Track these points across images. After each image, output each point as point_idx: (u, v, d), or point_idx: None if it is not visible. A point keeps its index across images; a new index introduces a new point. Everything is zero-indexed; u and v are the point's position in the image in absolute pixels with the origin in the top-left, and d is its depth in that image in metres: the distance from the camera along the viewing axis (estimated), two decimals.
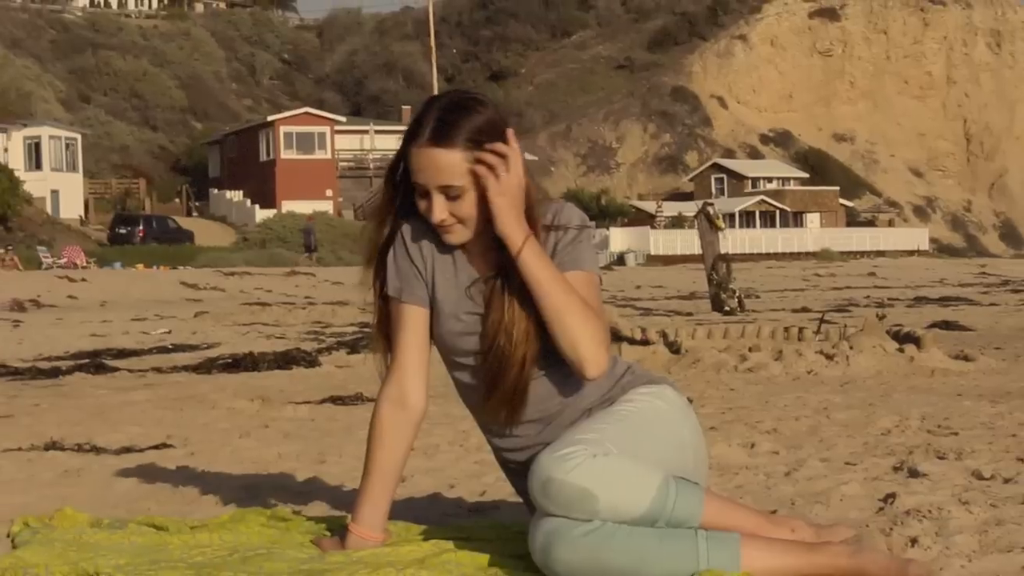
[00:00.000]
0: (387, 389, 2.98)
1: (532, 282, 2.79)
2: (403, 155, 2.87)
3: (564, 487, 2.63)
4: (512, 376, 2.86)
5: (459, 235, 2.89)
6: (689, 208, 62.54)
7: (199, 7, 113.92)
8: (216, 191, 70.21)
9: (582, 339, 2.78)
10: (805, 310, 19.47)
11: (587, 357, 2.78)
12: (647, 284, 37.17)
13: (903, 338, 9.44)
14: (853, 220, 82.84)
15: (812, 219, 78.74)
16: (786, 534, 2.81)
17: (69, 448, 5.30)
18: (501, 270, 2.87)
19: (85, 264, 46.03)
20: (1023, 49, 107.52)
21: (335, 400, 7.30)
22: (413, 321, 2.95)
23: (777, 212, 77.80)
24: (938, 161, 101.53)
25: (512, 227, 2.80)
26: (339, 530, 3.09)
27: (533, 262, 2.79)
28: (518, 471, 2.97)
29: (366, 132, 72.83)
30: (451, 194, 2.83)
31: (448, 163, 2.80)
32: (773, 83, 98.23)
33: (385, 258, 2.98)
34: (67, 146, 61.86)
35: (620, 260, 57.06)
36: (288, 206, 63.82)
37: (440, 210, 2.84)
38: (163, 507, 3.91)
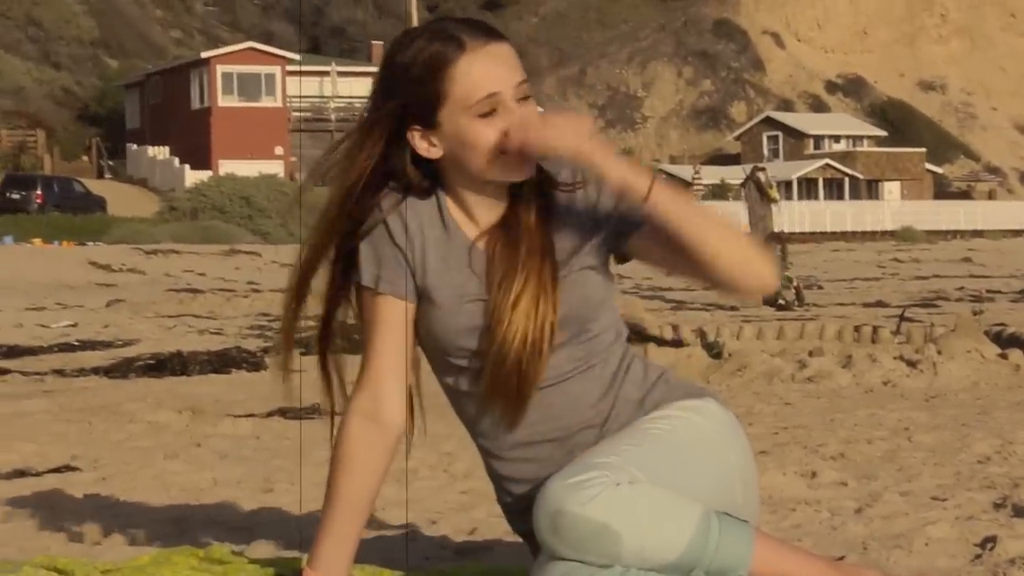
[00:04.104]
0: (357, 400, 2.96)
1: (675, 222, 2.75)
2: (435, 75, 2.77)
3: (579, 522, 2.63)
4: (514, 355, 2.83)
5: (531, 165, 2.86)
6: (735, 174, 62.52)
7: None
8: (135, 147, 70.21)
9: (754, 258, 2.78)
10: (881, 304, 19.47)
11: (765, 274, 2.79)
12: None
13: (1006, 341, 9.44)
14: (943, 191, 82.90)
15: (891, 189, 78.82)
16: None
17: None
18: (506, 229, 2.87)
19: None
20: None
21: (285, 413, 7.28)
22: (392, 317, 2.93)
23: (846, 180, 77.87)
24: None
25: (621, 166, 2.76)
26: (291, 575, 3.10)
27: (669, 201, 2.75)
28: (520, 505, 2.95)
29: (327, 74, 72.80)
30: (522, 95, 2.82)
31: (515, 55, 2.83)
32: (843, 16, 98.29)
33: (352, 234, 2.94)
34: None
35: None
36: (227, 167, 63.72)
37: None
38: (66, 546, 3.90)
